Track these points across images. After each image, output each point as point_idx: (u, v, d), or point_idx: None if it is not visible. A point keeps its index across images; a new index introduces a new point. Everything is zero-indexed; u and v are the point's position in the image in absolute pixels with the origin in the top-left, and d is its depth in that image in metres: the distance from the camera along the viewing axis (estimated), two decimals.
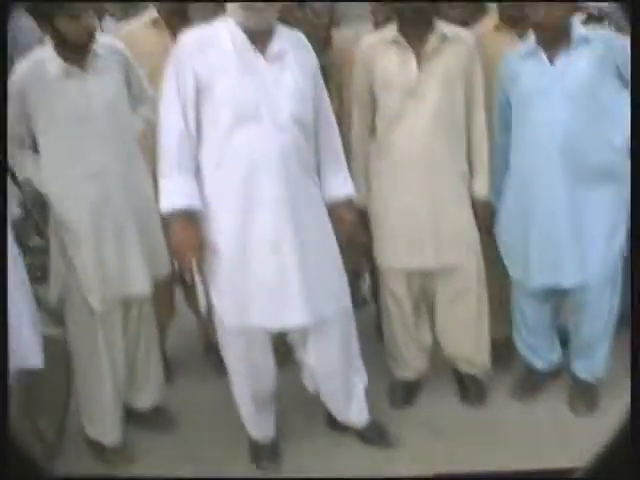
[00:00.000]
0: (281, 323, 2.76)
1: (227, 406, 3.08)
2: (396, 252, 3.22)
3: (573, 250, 3.10)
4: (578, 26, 3.05)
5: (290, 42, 2.72)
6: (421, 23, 3.06)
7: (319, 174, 2.85)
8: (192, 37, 2.70)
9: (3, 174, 1.70)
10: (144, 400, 3.23)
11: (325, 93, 2.85)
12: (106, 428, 3.05)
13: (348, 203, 2.93)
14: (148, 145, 3.01)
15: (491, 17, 3.49)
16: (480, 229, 3.26)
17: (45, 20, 2.72)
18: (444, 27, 3.12)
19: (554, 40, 3.00)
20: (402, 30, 3.09)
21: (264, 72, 2.64)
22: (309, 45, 2.82)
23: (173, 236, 2.74)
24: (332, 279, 2.85)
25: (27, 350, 2.52)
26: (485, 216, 3.27)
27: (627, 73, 2.99)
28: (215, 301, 2.82)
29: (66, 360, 3.01)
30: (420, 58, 3.07)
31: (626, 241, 3.12)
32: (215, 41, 2.66)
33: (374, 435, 3.13)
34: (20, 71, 2.77)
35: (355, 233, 3.01)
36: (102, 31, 5.78)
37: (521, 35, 3.29)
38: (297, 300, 2.70)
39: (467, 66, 3.12)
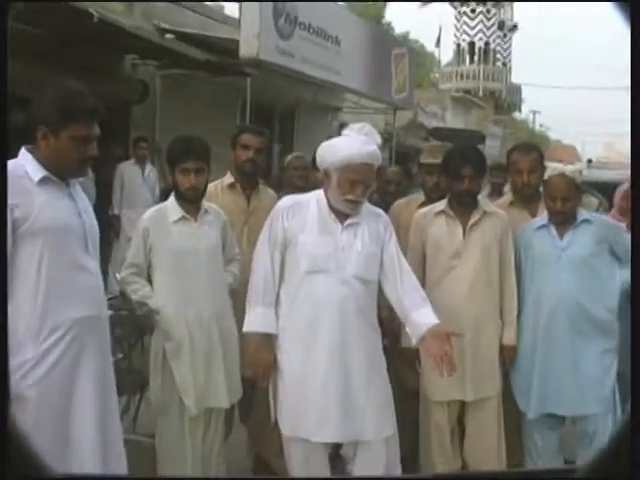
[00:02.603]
0: (322, 437, 3.32)
1: None
2: (442, 386, 3.78)
3: (571, 386, 3.81)
4: (583, 211, 3.95)
5: (366, 214, 3.44)
6: (469, 202, 3.88)
7: (407, 311, 3.38)
8: (288, 202, 3.47)
9: (3, 173, 1.96)
10: None
11: (397, 246, 3.47)
12: None
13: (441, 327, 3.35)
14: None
15: (507, 196, 4.34)
16: (506, 370, 3.94)
17: (170, 170, 3.48)
18: (485, 205, 3.94)
19: (563, 220, 3.87)
20: (452, 205, 3.90)
21: (339, 236, 3.36)
22: (382, 215, 3.54)
23: (250, 353, 3.42)
24: (377, 410, 3.39)
25: None
26: (511, 359, 3.94)
27: (619, 250, 3.85)
28: (277, 412, 3.42)
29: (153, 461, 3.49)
30: (465, 228, 3.85)
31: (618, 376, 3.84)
32: (304, 208, 3.41)
33: None
34: (148, 214, 3.49)
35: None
36: None
37: (530, 210, 4.15)
38: (336, 422, 3.29)
39: (501, 236, 3.91)
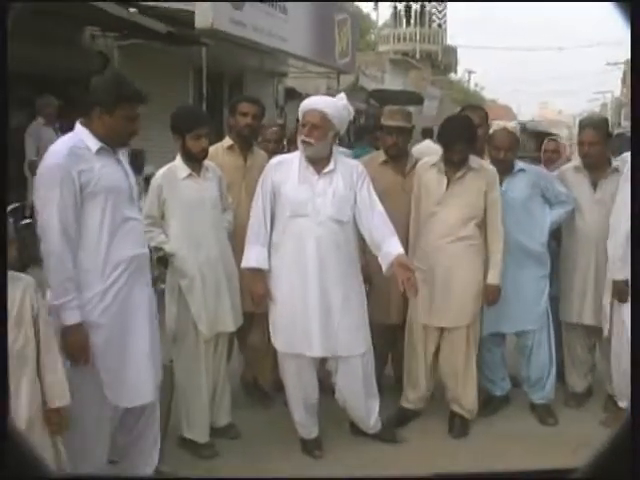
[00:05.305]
0: (308, 352, 4.08)
1: (280, 424, 4.44)
2: (429, 311, 4.47)
3: (513, 307, 4.61)
4: (519, 162, 4.71)
5: (340, 164, 4.13)
6: (458, 164, 4.46)
7: (378, 244, 4.02)
8: (276, 160, 4.25)
9: (3, 173, 2.30)
10: (223, 419, 4.41)
11: (371, 190, 4.11)
12: (201, 430, 4.22)
13: (405, 256, 4.03)
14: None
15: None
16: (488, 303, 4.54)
17: (179, 137, 4.10)
18: (472, 161, 4.47)
19: (502, 169, 4.64)
20: (444, 159, 4.49)
21: (315, 184, 4.07)
22: (357, 165, 4.20)
23: (246, 284, 4.20)
24: (350, 329, 4.11)
25: (144, 388, 3.39)
26: (492, 297, 4.49)
27: (549, 195, 4.69)
28: (272, 333, 4.17)
29: (170, 380, 4.13)
30: (450, 180, 4.45)
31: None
32: (289, 163, 4.16)
33: (387, 435, 4.41)
34: (160, 173, 4.13)
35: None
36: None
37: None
38: (317, 339, 4.04)
39: (486, 187, 4.44)
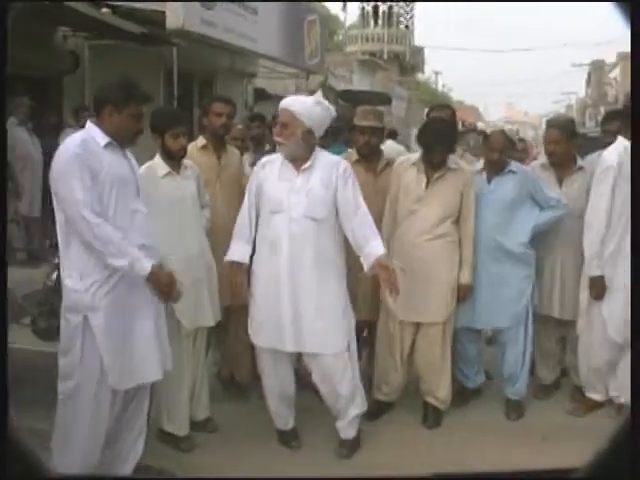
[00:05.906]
0: (280, 347, 4.16)
1: (257, 417, 4.54)
2: (406, 307, 4.53)
3: (488, 304, 4.73)
4: (511, 162, 4.83)
5: (320, 162, 4.18)
6: (438, 164, 4.58)
7: (360, 244, 4.06)
8: (264, 160, 4.35)
9: (3, 175, 2.42)
10: (201, 413, 4.51)
11: (356, 191, 4.16)
12: (181, 424, 4.30)
13: (386, 257, 4.09)
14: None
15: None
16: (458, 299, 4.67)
17: (159, 136, 4.19)
18: (451, 162, 4.61)
19: (494, 169, 4.78)
20: (424, 159, 4.62)
21: (294, 181, 4.15)
22: (340, 164, 4.20)
23: (226, 276, 4.27)
24: (327, 327, 4.14)
25: (145, 368, 3.51)
26: (464, 295, 4.66)
27: (538, 197, 4.77)
28: (249, 327, 4.28)
29: None
30: (429, 180, 4.58)
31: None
32: (272, 163, 4.25)
33: (346, 448, 4.36)
34: (140, 171, 4.17)
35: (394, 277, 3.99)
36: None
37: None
38: (288, 334, 4.11)
39: (462, 188, 4.59)
